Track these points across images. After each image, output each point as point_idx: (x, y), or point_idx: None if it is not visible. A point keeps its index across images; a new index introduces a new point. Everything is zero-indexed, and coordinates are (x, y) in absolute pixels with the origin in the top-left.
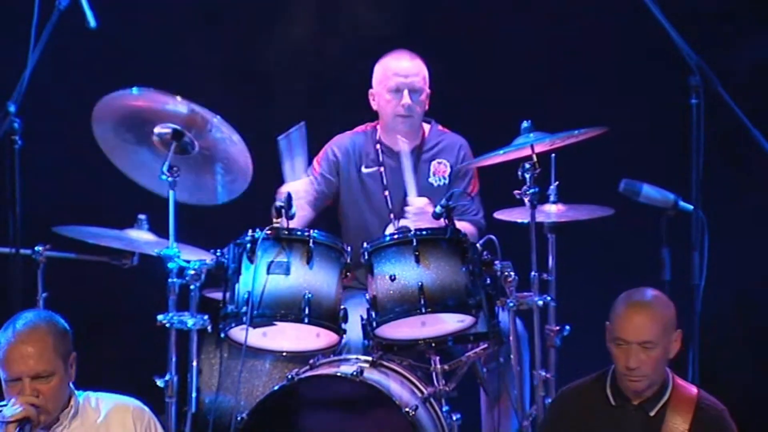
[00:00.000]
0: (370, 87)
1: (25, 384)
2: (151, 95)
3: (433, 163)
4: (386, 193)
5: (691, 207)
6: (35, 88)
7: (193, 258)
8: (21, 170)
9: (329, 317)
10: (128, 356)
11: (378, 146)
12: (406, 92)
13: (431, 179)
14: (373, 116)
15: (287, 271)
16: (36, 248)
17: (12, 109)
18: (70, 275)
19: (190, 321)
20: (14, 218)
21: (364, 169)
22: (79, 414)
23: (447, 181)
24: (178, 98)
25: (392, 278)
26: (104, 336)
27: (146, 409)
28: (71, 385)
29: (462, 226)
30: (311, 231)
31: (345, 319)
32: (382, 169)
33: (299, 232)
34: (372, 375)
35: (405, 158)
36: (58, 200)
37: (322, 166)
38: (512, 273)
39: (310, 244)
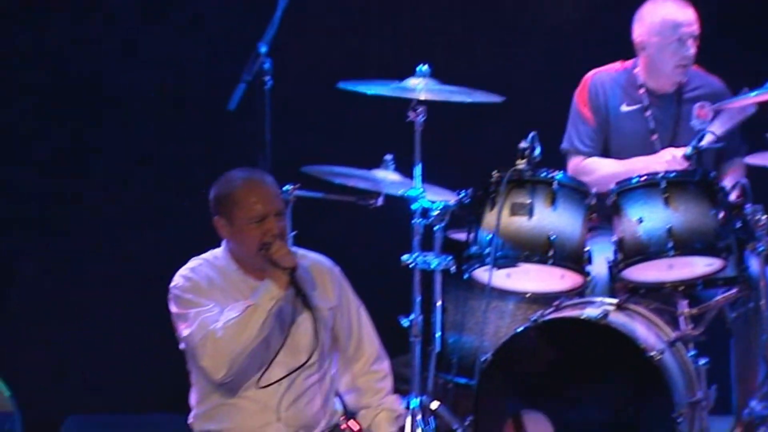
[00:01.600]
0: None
1: (272, 221)
2: None
3: (696, 105)
4: (654, 137)
5: None
6: (284, 28)
7: (438, 199)
8: (271, 110)
9: (574, 259)
10: (372, 296)
11: (641, 90)
12: (690, 41)
13: (694, 122)
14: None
15: (530, 213)
16: (285, 188)
17: (263, 50)
18: (318, 215)
19: (434, 261)
20: (264, 158)
21: (624, 107)
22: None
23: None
24: None
25: (640, 221)
26: (349, 275)
27: (337, 269)
28: None
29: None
30: (555, 173)
31: (590, 261)
32: (648, 112)
33: (543, 174)
34: (617, 318)
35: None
36: (306, 140)
37: (592, 110)
38: (763, 217)
39: (554, 186)
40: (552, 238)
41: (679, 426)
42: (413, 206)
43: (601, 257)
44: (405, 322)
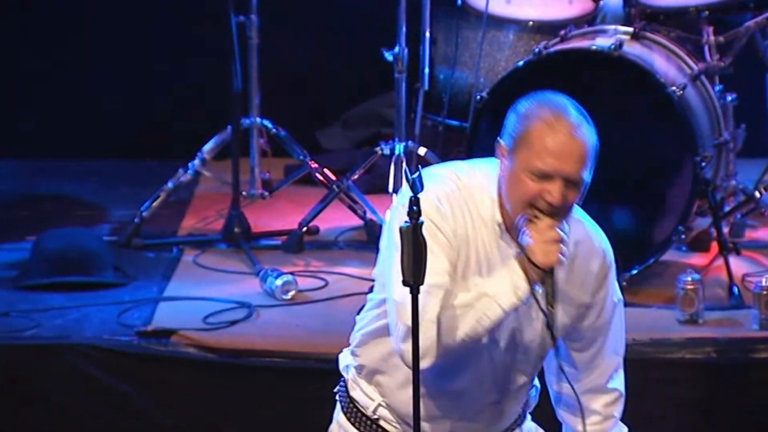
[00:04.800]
0: None
1: (558, 185)
2: None
3: None
4: None
5: None
6: None
7: None
8: None
9: None
10: (351, 26)
11: None
12: None
13: None
14: None
15: None
16: None
17: None
18: None
19: None
20: None
21: None
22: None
23: None
24: None
25: None
26: (326, 4)
27: (609, 255)
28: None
29: None
30: None
31: None
32: None
33: None
34: (633, 49)
35: None
36: None
37: None
38: None
39: None
40: None
41: (702, 171)
42: None
43: None
44: (388, 56)
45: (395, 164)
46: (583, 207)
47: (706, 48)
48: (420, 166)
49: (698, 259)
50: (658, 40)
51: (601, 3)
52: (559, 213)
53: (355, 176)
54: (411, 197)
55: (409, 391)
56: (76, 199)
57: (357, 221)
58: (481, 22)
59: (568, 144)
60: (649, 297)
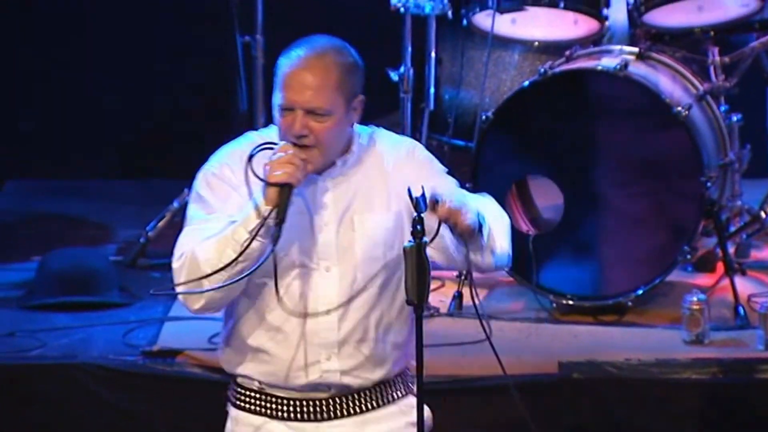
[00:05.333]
0: None
1: (298, 116)
2: None
3: None
4: None
5: None
6: None
7: None
8: None
9: (589, 1)
10: (356, 46)
11: None
12: None
13: None
14: None
15: None
16: None
17: None
18: None
19: (427, 5)
20: None
21: None
22: (362, 162)
23: None
24: None
25: None
26: (331, 21)
27: (417, 152)
28: (355, 128)
29: None
30: None
31: (607, 4)
32: None
33: None
34: (638, 69)
35: None
36: None
37: None
38: None
39: None
40: None
41: (707, 191)
42: None
43: None
44: (394, 76)
45: None
46: (588, 224)
47: (712, 68)
48: (424, 186)
49: (704, 280)
50: (664, 61)
51: (607, 23)
52: (313, 145)
53: None
54: (415, 216)
55: (262, 356)
56: (81, 218)
57: None
58: (486, 43)
59: (297, 75)
60: (654, 317)
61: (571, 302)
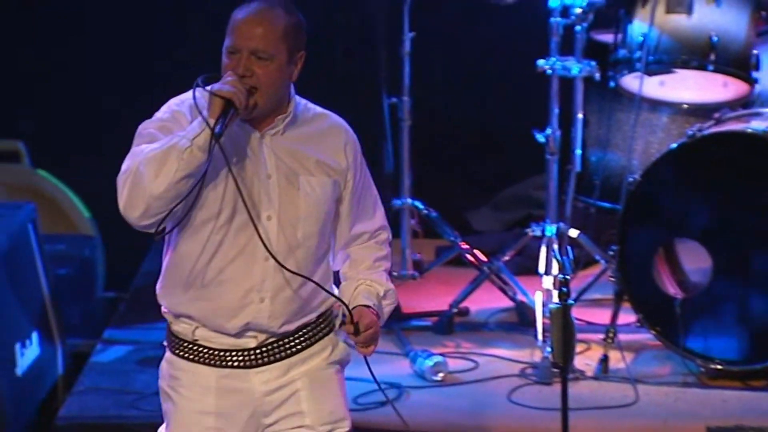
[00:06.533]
0: None
1: (243, 56)
2: None
3: None
4: None
5: None
6: None
7: None
8: None
9: (739, 63)
10: (503, 107)
11: None
12: None
13: None
14: None
15: (690, 9)
16: None
17: None
18: (437, 11)
19: (575, 67)
20: None
21: None
22: (297, 123)
23: None
24: None
25: None
26: (476, 84)
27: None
28: (292, 90)
29: None
30: None
31: (757, 67)
32: None
33: None
34: None
35: None
36: None
37: None
38: None
39: None
40: (714, 39)
41: None
42: (551, 2)
43: None
44: (540, 138)
45: (546, 246)
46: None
47: None
48: (570, 248)
49: None
50: None
51: (757, 86)
52: (256, 85)
53: (506, 257)
54: (560, 278)
55: (199, 293)
56: None
57: (508, 302)
58: (633, 104)
59: (247, 22)
60: None
61: (719, 367)
